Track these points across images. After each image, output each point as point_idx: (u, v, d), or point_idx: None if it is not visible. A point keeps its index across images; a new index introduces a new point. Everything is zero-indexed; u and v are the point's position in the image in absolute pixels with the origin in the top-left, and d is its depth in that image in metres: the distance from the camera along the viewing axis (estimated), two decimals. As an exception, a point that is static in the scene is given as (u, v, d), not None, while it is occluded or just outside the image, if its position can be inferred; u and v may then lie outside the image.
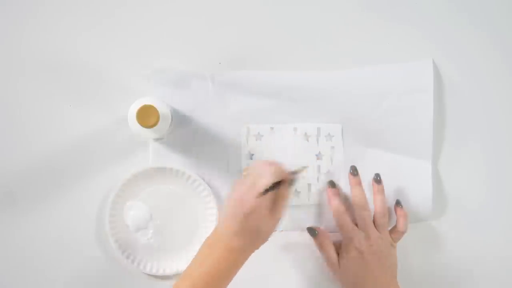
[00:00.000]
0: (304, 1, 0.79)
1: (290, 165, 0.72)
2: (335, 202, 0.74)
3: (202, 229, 0.76)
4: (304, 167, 0.72)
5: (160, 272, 0.75)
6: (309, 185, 0.77)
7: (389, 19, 0.79)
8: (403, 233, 0.73)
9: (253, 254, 0.76)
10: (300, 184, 0.77)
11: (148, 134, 0.72)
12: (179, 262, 0.75)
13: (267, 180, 0.63)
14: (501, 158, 0.79)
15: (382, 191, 0.74)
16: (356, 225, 0.72)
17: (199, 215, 0.77)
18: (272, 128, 0.78)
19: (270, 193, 0.63)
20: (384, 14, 0.79)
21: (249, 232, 0.63)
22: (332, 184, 0.76)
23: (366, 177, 0.75)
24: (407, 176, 0.77)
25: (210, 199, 0.76)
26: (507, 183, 0.79)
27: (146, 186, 0.76)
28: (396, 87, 0.77)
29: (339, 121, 0.78)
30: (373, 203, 0.74)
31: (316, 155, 0.77)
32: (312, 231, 0.75)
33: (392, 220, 0.75)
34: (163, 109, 0.71)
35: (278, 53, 0.78)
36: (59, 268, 0.76)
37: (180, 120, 0.77)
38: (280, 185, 0.64)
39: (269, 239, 0.77)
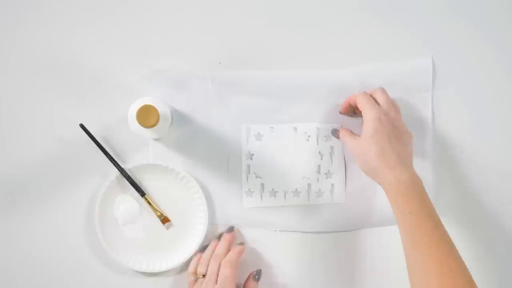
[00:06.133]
0: (304, 1, 0.79)
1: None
2: (358, 95, 0.72)
3: (189, 228, 0.76)
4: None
5: (143, 268, 0.75)
6: (309, 185, 0.77)
7: (389, 19, 0.79)
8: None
9: (252, 254, 0.76)
10: (300, 184, 0.77)
11: (148, 134, 0.72)
12: (163, 259, 0.76)
13: None
14: (501, 158, 0.79)
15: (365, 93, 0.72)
16: None
17: (187, 213, 0.77)
18: (272, 128, 0.78)
19: None
20: (384, 13, 0.79)
21: None
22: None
23: (367, 177, 0.75)
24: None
25: (199, 196, 0.76)
26: (507, 183, 0.79)
27: (140, 180, 0.76)
28: (395, 86, 0.77)
29: (339, 121, 0.78)
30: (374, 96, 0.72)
31: (316, 155, 0.78)
32: (334, 132, 0.76)
33: None
34: (163, 109, 0.71)
35: (278, 53, 0.78)
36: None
37: (180, 120, 0.77)
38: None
39: (269, 239, 0.77)
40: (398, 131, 0.69)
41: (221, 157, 0.77)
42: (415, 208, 0.64)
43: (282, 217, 0.77)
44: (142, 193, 0.75)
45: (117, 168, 0.75)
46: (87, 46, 0.77)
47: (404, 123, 0.71)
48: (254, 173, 0.77)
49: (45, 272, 0.76)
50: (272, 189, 0.77)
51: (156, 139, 0.77)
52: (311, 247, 0.77)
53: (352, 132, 0.74)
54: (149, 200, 0.76)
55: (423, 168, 0.77)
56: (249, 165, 0.77)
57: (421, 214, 0.64)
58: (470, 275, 0.61)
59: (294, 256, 0.77)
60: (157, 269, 0.75)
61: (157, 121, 0.68)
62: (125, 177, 0.75)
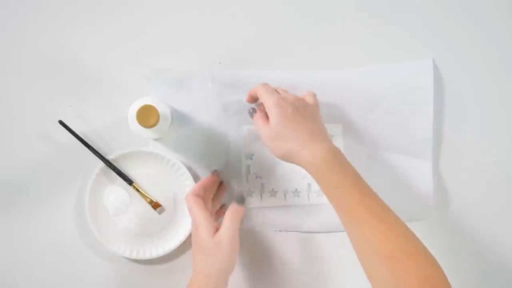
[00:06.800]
0: (304, 1, 0.79)
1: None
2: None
3: (181, 210, 0.77)
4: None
5: (140, 256, 0.75)
6: (309, 185, 0.77)
7: (389, 19, 0.79)
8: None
9: (252, 254, 0.76)
10: (300, 184, 0.77)
11: (148, 134, 0.72)
12: (157, 246, 0.76)
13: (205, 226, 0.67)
14: (501, 156, 0.79)
15: None
16: None
17: (177, 196, 0.77)
18: (272, 128, 0.78)
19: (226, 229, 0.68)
20: (384, 14, 0.79)
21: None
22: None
23: (368, 179, 0.75)
24: (408, 175, 0.77)
25: (186, 176, 0.76)
26: (506, 181, 0.79)
27: (127, 170, 0.76)
28: (396, 87, 0.77)
29: (339, 121, 0.78)
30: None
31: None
32: (252, 112, 0.71)
33: None
34: (163, 109, 0.71)
35: (278, 53, 0.78)
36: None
37: (180, 120, 0.77)
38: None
39: (269, 239, 0.77)
40: (303, 109, 0.67)
41: (221, 157, 0.77)
42: (340, 181, 0.62)
43: (282, 217, 0.77)
44: (129, 182, 0.75)
45: (101, 159, 0.74)
46: (87, 46, 0.77)
47: (306, 102, 0.69)
48: (254, 173, 0.77)
49: (45, 272, 0.76)
50: (272, 189, 0.77)
51: (156, 139, 0.77)
52: (311, 247, 0.77)
53: (266, 118, 0.69)
54: (137, 187, 0.75)
55: (423, 169, 0.77)
56: (249, 165, 0.77)
57: (346, 184, 0.62)
58: (408, 229, 0.59)
59: (294, 256, 0.77)
60: (154, 255, 0.75)
61: (157, 121, 0.68)
62: (111, 168, 0.75)
